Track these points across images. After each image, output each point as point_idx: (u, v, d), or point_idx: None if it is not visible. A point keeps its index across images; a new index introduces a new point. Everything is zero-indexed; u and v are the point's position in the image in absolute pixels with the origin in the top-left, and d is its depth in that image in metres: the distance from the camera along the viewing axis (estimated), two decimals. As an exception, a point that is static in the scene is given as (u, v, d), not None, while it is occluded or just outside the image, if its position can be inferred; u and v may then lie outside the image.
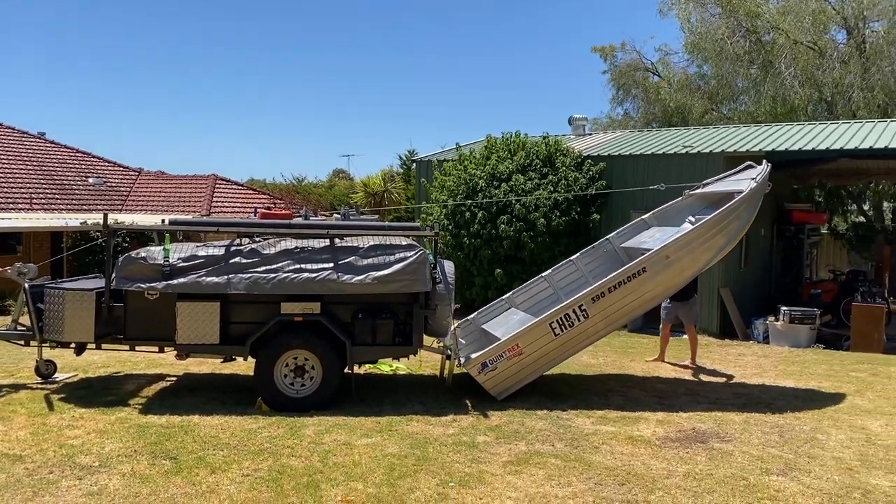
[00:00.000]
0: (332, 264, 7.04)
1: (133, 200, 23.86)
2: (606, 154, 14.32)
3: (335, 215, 7.68)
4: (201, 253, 7.11)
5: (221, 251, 7.14)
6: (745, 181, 8.36)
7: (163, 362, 8.83)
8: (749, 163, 9.24)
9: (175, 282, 6.92)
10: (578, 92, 74.58)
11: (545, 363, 7.56)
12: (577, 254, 9.44)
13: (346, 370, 7.22)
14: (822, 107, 20.21)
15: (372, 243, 7.21)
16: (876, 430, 6.63)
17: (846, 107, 18.98)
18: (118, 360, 9.04)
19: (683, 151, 13.39)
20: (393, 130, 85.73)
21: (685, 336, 12.74)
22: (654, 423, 6.76)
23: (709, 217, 7.83)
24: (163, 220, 7.75)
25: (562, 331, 7.37)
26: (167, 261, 6.95)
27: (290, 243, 7.24)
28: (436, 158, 15.91)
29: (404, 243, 7.25)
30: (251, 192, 25.80)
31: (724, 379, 8.99)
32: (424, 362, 8.84)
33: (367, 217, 8.42)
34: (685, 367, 9.67)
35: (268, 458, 5.53)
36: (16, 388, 7.55)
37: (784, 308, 12.29)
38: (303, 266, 7.03)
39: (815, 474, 5.40)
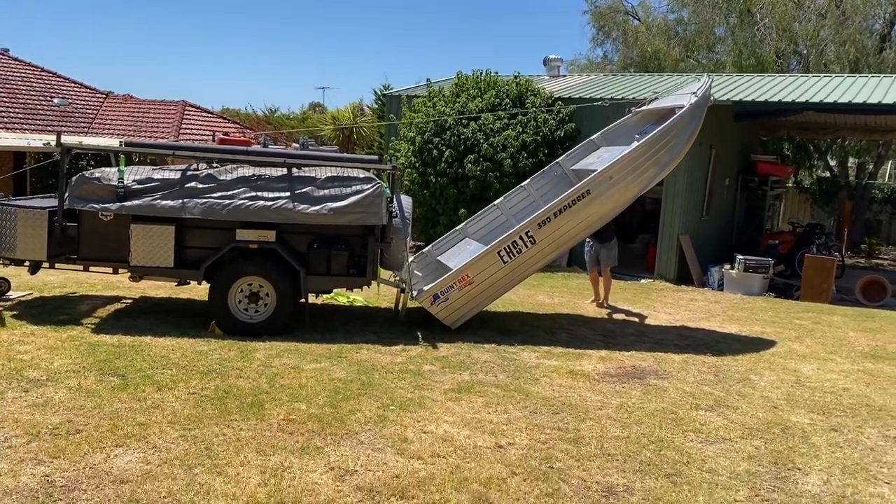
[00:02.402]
0: (288, 193, 7.05)
1: (99, 123, 23.37)
2: (577, 97, 14.30)
3: (294, 145, 7.65)
4: (157, 176, 7.08)
5: (177, 175, 7.12)
6: (687, 95, 8.37)
7: (120, 285, 8.86)
8: (694, 75, 9.28)
9: (129, 204, 6.91)
10: (557, 32, 73.52)
11: (496, 290, 7.72)
12: (529, 179, 9.49)
13: (301, 299, 7.32)
14: (795, 59, 20.24)
15: (329, 174, 7.23)
16: (807, 373, 6.92)
17: (818, 60, 19.03)
18: (75, 281, 9.05)
19: (654, 97, 13.40)
20: (370, 64, 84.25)
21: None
22: (596, 359, 6.99)
23: (650, 135, 7.84)
24: (120, 143, 7.68)
25: (510, 258, 7.49)
26: (122, 182, 6.92)
27: (248, 171, 7.24)
28: (406, 94, 15.76)
29: (362, 176, 7.28)
30: (221, 120, 25.38)
31: (670, 321, 9.25)
32: (382, 295, 8.97)
33: (327, 148, 8.40)
34: (600, 307, 9.84)
35: (215, 379, 5.65)
36: (-31, 304, 7.57)
37: (739, 257, 12.59)
38: (259, 194, 7.04)
39: (741, 411, 5.66)
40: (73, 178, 6.96)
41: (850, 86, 13.45)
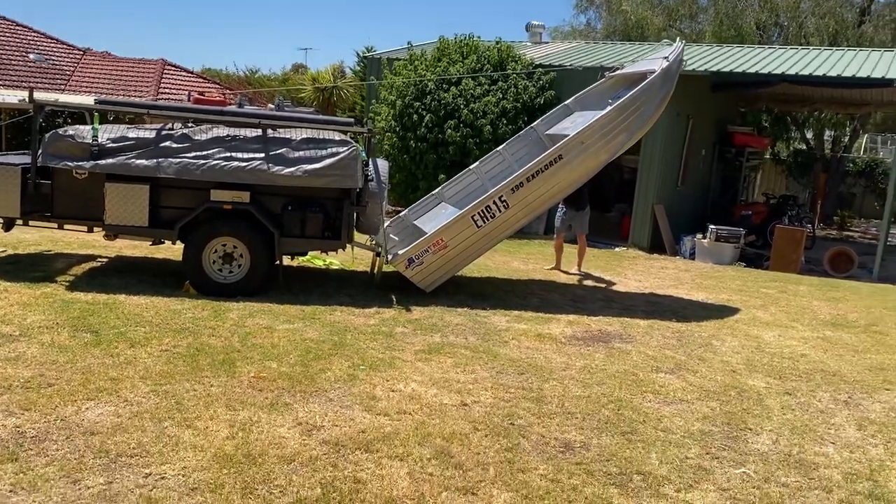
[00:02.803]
0: (263, 154, 7.08)
1: (77, 81, 22.98)
2: (558, 64, 14.31)
3: (269, 106, 7.65)
4: (131, 135, 7.08)
5: (152, 134, 7.12)
6: (658, 60, 8.44)
7: (95, 243, 8.86)
8: (666, 40, 9.33)
9: (104, 162, 6.91)
10: None
11: (470, 254, 7.84)
12: (505, 143, 9.57)
13: (275, 260, 7.38)
14: (776, 31, 20.31)
15: (304, 136, 7.26)
16: (768, 339, 7.13)
17: (798, 32, 19.12)
18: (50, 240, 9.03)
19: (633, 69, 13.44)
20: (354, 26, 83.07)
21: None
22: (564, 323, 7.15)
23: (620, 100, 7.92)
24: (95, 100, 7.64)
25: (484, 222, 7.60)
26: (96, 141, 6.91)
27: (223, 131, 7.24)
28: (387, 57, 15.67)
29: (338, 139, 7.31)
30: (201, 80, 25.07)
31: (639, 288, 9.44)
32: (359, 259, 9.05)
33: (303, 109, 8.40)
34: (574, 274, 10.00)
35: (188, 337, 5.74)
36: (-58, 260, 7.57)
37: (711, 226, 12.78)
38: (233, 154, 7.06)
39: (700, 374, 5.86)
40: (47, 136, 6.94)
41: (826, 59, 13.56)
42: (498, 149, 9.45)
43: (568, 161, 7.69)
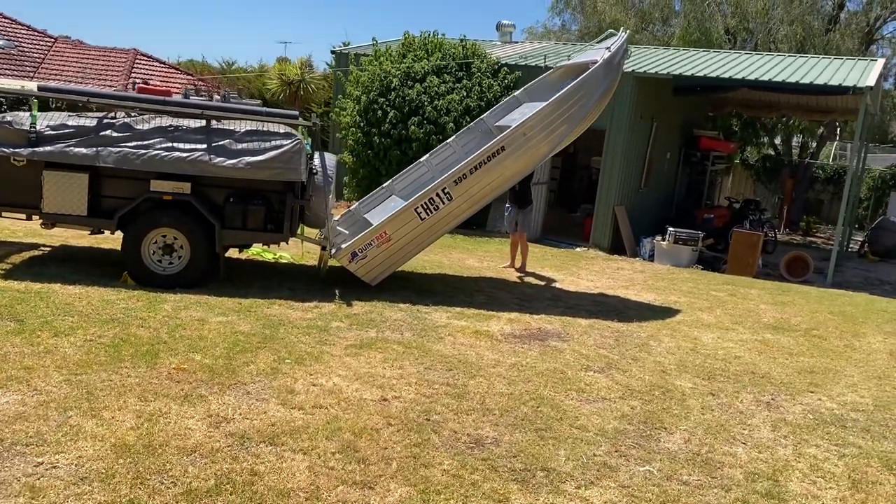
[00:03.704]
0: (205, 146, 7.03)
1: (46, 68, 22.69)
2: (523, 64, 14.35)
3: (216, 97, 7.60)
4: (71, 123, 7.00)
5: (93, 122, 7.04)
6: (601, 51, 8.45)
7: (42, 233, 8.74)
8: (610, 31, 9.34)
9: (42, 150, 6.83)
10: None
11: (414, 247, 7.83)
12: (454, 135, 9.57)
13: (217, 252, 7.33)
14: (745, 37, 20.47)
15: (248, 128, 7.22)
16: (706, 341, 7.19)
17: (766, 38, 19.29)
18: (-4, 228, 8.92)
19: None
20: (336, 19, 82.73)
21: (578, 249, 13.29)
22: (504, 321, 7.17)
23: (561, 91, 7.92)
24: (38, 87, 7.54)
25: (427, 215, 7.59)
26: (34, 127, 6.83)
27: (165, 121, 7.19)
28: (354, 53, 15.63)
29: (282, 132, 7.28)
30: (174, 70, 24.84)
31: (589, 288, 9.48)
32: (309, 253, 9.02)
33: (249, 102, 8.35)
34: (519, 272, 10.01)
35: (116, 327, 5.69)
36: None
37: (670, 229, 12.87)
38: (175, 145, 7.01)
39: (630, 374, 5.89)
40: (-17, 122, 6.85)
41: (789, 65, 13.69)
42: (448, 140, 9.44)
43: (511, 152, 7.69)
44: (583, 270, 10.94)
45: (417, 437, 4.30)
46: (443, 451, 4.15)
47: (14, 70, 21.53)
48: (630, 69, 13.27)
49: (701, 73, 12.82)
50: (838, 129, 21.93)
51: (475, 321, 7.03)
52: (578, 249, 13.39)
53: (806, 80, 12.29)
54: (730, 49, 18.91)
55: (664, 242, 12.89)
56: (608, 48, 8.28)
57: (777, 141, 22.69)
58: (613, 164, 13.53)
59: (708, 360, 6.51)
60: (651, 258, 13.04)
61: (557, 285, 9.53)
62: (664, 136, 15.25)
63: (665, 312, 8.34)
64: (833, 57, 15.21)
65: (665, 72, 12.92)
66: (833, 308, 9.57)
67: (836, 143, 25.30)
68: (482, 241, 12.62)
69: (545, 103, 7.91)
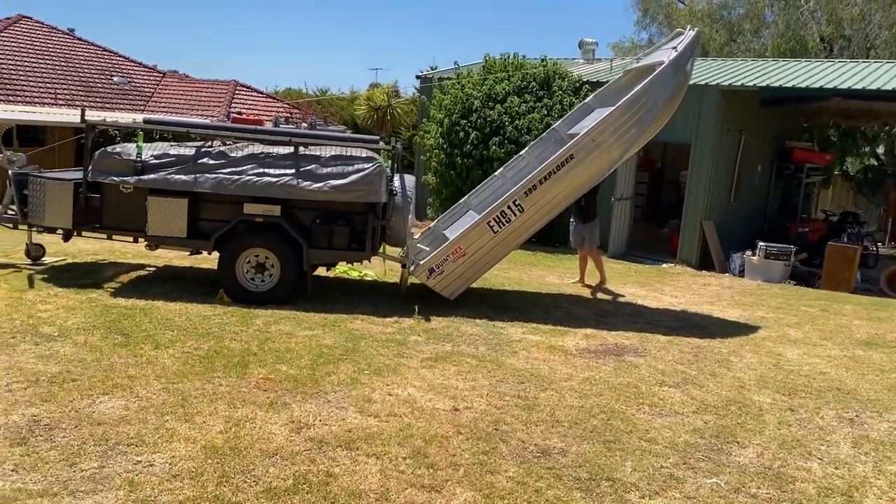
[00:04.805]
0: (293, 171, 7.47)
1: (156, 102, 24.29)
2: (606, 80, 14.33)
3: (303, 125, 8.05)
4: (172, 152, 7.58)
5: (192, 151, 7.60)
6: (668, 51, 8.33)
7: (149, 254, 9.44)
8: (678, 30, 9.15)
9: (146, 177, 7.43)
10: (598, 14, 72.22)
11: (490, 259, 7.97)
12: (528, 146, 9.63)
13: (305, 271, 7.73)
14: (841, 44, 19.70)
15: (333, 153, 7.61)
16: (791, 357, 7.01)
17: (863, 44, 18.50)
18: (108, 250, 9.68)
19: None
20: (424, 44, 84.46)
21: (665, 265, 13.10)
22: (580, 336, 7.22)
23: (629, 94, 7.88)
24: (144, 121, 8.21)
25: (500, 227, 7.71)
26: (140, 157, 7.44)
27: (257, 148, 7.67)
28: (438, 77, 16.04)
29: (364, 155, 7.63)
30: (270, 100, 26.10)
31: (672, 305, 9.37)
32: (392, 270, 9.33)
33: (334, 128, 8.78)
34: (597, 286, 9.96)
35: (211, 340, 6.12)
36: (6, 266, 8.23)
37: (760, 243, 12.53)
38: (266, 170, 7.47)
39: (706, 388, 5.84)
40: (97, 153, 7.52)
41: (886, 72, 13.14)
42: (521, 152, 9.55)
43: (580, 160, 7.71)
44: (667, 287, 10.81)
45: (485, 445, 4.45)
46: (509, 460, 4.28)
47: (127, 104, 23.17)
48: (715, 82, 13.10)
49: (789, 84, 12.48)
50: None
51: (550, 336, 7.12)
52: (665, 266, 13.20)
53: (904, 87, 11.77)
54: (824, 58, 18.25)
55: (754, 257, 12.55)
56: (675, 48, 8.21)
57: (880, 150, 21.62)
58: (700, 178, 13.32)
59: (791, 375, 6.36)
60: (741, 274, 12.72)
61: (639, 301, 9.46)
62: (754, 148, 14.87)
63: (750, 328, 8.16)
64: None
65: (752, 83, 12.65)
66: (936, 324, 9.09)
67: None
68: (564, 257, 12.65)
69: (612, 108, 7.94)
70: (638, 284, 10.70)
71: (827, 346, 7.57)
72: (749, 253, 12.75)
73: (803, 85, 12.38)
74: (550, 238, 13.36)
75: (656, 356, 6.70)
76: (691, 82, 13.03)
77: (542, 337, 7.06)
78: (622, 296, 9.64)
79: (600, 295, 9.64)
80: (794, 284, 12.17)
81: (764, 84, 12.57)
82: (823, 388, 6.06)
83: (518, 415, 4.98)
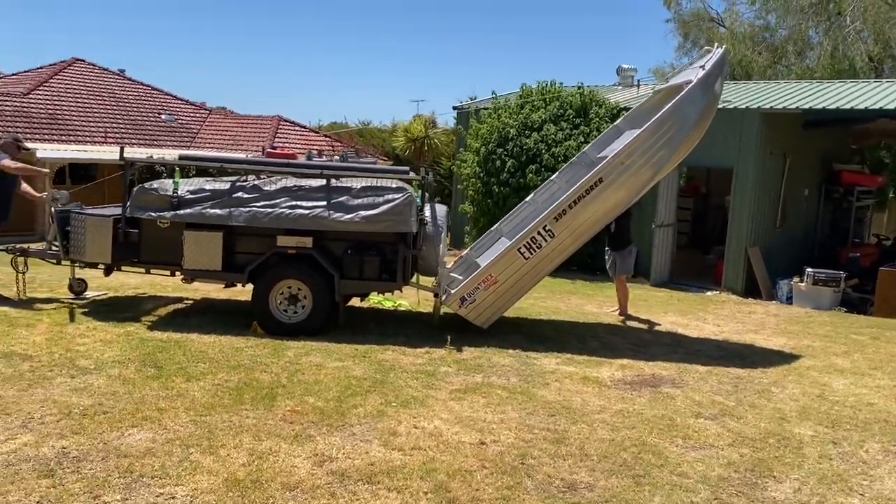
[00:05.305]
0: (324, 202, 7.54)
1: (202, 138, 24.95)
2: (644, 106, 14.22)
3: (335, 157, 8.15)
4: (207, 187, 7.73)
5: (227, 186, 7.74)
6: (696, 70, 8.16)
7: (188, 287, 9.60)
8: (707, 48, 8.97)
9: (182, 212, 7.58)
10: (636, 38, 72.06)
11: (522, 287, 7.87)
12: (558, 172, 9.52)
13: (337, 301, 7.75)
14: (891, 63, 19.20)
15: (364, 185, 7.67)
16: (836, 387, 6.74)
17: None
18: (149, 284, 9.87)
19: (720, 107, 13.16)
20: (465, 74, 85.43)
21: (709, 293, 12.80)
22: (616, 367, 7.06)
23: (657, 115, 7.75)
24: (179, 157, 8.41)
25: (531, 254, 7.62)
26: (176, 192, 7.61)
27: (290, 181, 7.78)
28: (474, 107, 16.13)
29: (394, 186, 7.67)
30: (313, 133, 26.58)
31: (714, 333, 9.12)
32: (427, 300, 9.31)
33: (365, 160, 8.86)
34: (621, 316, 9.73)
35: (241, 372, 6.16)
36: (50, 301, 8.46)
37: (809, 269, 12.17)
38: (298, 203, 7.55)
39: (744, 420, 5.64)
40: (135, 189, 7.71)
41: (936, 90, 12.75)
42: (552, 177, 9.47)
43: (609, 183, 7.59)
44: (710, 315, 10.55)
45: (510, 479, 4.35)
46: (534, 494, 4.18)
47: (174, 141, 23.85)
48: (756, 105, 12.88)
49: (833, 106, 12.20)
50: None
51: (585, 367, 6.98)
52: (709, 293, 12.91)
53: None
54: (874, 78, 17.81)
55: (802, 284, 12.19)
56: (703, 66, 8.09)
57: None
58: (743, 203, 13.06)
59: (835, 406, 6.10)
60: (789, 301, 12.36)
61: (680, 330, 9.24)
62: (800, 171, 14.52)
63: (794, 357, 7.89)
64: None
65: (793, 106, 12.40)
66: None
67: None
68: (604, 286, 12.44)
69: (640, 130, 7.84)
70: (679, 313, 10.47)
71: (876, 375, 7.26)
72: (797, 279, 12.39)
73: (847, 106, 12.08)
74: (591, 266, 13.21)
75: (694, 387, 6.51)
76: (731, 106, 12.97)
77: (576, 368, 6.93)
78: (658, 324, 9.42)
79: (637, 324, 9.43)
80: (845, 311, 11.77)
81: (807, 106, 12.30)
82: (870, 419, 5.80)
83: (546, 448, 4.87)
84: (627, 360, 7.36)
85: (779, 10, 20.14)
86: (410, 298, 9.47)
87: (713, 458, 4.84)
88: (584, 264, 13.16)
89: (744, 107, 12.89)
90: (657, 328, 9.23)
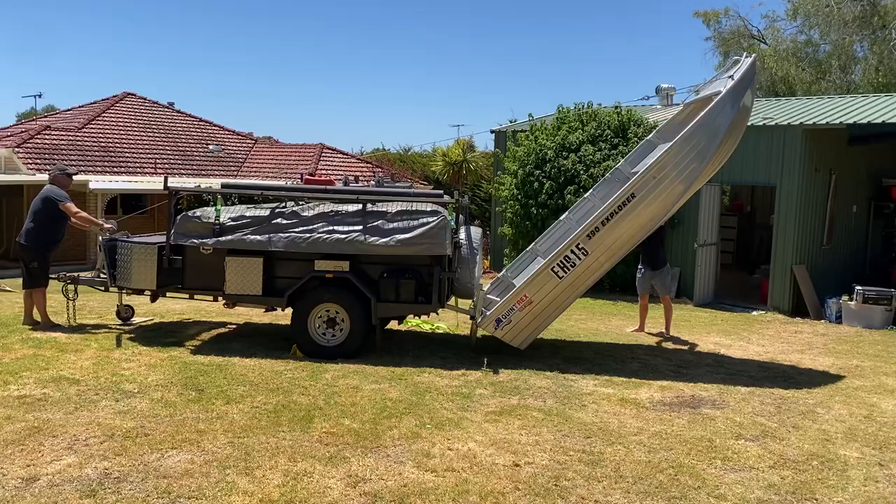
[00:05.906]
0: (361, 227, 7.65)
1: (248, 167, 25.52)
2: (683, 125, 14.10)
3: (371, 182, 8.27)
4: (248, 213, 7.92)
5: (266, 212, 7.92)
6: (724, 80, 8.03)
7: (231, 312, 9.80)
8: (736, 58, 8.81)
9: (224, 239, 7.76)
10: (677, 57, 71.30)
11: (558, 306, 7.82)
12: (592, 189, 9.47)
13: (374, 324, 7.82)
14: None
15: (399, 209, 7.77)
16: (885, 408, 6.54)
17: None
18: (194, 309, 10.11)
19: (762, 123, 13.00)
20: (505, 99, 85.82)
21: (755, 313, 12.54)
22: (655, 388, 6.97)
23: (687, 127, 7.67)
24: (222, 185, 8.63)
25: (565, 273, 7.57)
26: (218, 220, 7.81)
27: (327, 207, 7.92)
28: (511, 130, 16.19)
29: (429, 209, 7.74)
30: (354, 160, 26.97)
31: (758, 354, 8.93)
32: (464, 323, 9.32)
33: (400, 185, 8.96)
34: (660, 335, 9.63)
35: (280, 395, 6.25)
36: (99, 327, 8.72)
37: (858, 287, 11.84)
38: (335, 228, 7.68)
39: (786, 442, 5.51)
40: (178, 217, 7.94)
41: None
42: (587, 194, 9.42)
43: (642, 198, 7.53)
44: (754, 335, 10.33)
45: (543, 501, 4.32)
46: (566, 517, 4.14)
47: (221, 170, 24.44)
48: (799, 121, 12.67)
49: (878, 120, 11.91)
50: None
51: (623, 389, 6.90)
52: (755, 313, 12.64)
53: None
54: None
55: (852, 302, 11.86)
56: (732, 76, 8.00)
57: None
58: (788, 221, 12.80)
59: (883, 428, 5.92)
60: (838, 320, 12.02)
61: (723, 351, 9.08)
62: (847, 188, 14.18)
63: (839, 378, 7.68)
64: None
65: (837, 121, 12.15)
66: None
67: None
68: (650, 307, 12.27)
69: (669, 144, 7.76)
70: (723, 333, 10.29)
71: (929, 395, 7.02)
72: (846, 298, 12.05)
73: (893, 120, 11.79)
74: (633, 288, 13.05)
75: (735, 408, 6.38)
76: (773, 123, 12.77)
77: (614, 389, 6.85)
78: (696, 345, 9.27)
79: (677, 345, 9.29)
80: (898, 330, 11.39)
81: (851, 121, 12.05)
82: (921, 441, 5.60)
83: (581, 470, 4.83)
84: (667, 381, 7.25)
85: (821, 24, 19.83)
86: (449, 321, 9.50)
87: (753, 480, 4.74)
88: (626, 286, 13.02)
89: (785, 123, 12.68)
90: (696, 349, 9.08)
